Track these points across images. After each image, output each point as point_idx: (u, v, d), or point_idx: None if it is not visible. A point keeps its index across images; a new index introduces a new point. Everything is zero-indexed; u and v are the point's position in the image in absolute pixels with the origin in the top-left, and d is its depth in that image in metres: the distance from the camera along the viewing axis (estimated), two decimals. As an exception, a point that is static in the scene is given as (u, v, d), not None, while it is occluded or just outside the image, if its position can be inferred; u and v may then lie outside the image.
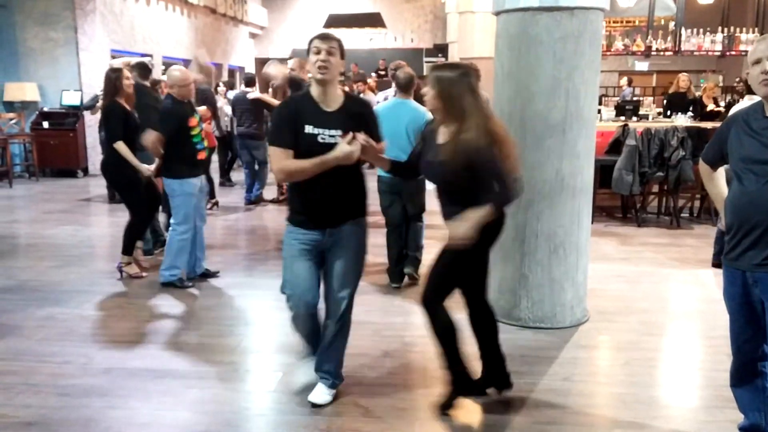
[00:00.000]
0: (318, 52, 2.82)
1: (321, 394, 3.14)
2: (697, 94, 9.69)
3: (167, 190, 4.90)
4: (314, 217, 2.96)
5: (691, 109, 8.95)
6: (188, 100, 4.89)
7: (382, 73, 16.28)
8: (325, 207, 2.94)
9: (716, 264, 5.47)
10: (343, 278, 3.02)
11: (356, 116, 2.93)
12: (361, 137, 2.79)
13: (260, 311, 4.58)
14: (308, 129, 2.85)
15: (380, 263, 5.14)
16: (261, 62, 19.96)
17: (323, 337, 3.12)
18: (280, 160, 2.85)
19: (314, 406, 3.10)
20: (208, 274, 5.19)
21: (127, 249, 5.18)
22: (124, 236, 5.18)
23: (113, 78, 5.15)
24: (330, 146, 2.82)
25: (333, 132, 2.84)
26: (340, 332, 3.09)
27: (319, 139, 2.84)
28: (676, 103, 9.18)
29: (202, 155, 4.94)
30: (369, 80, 13.97)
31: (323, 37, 2.87)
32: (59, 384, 3.38)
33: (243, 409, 3.19)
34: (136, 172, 5.05)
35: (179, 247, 4.89)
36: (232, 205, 8.45)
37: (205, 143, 5.06)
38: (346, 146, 2.77)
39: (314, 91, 2.92)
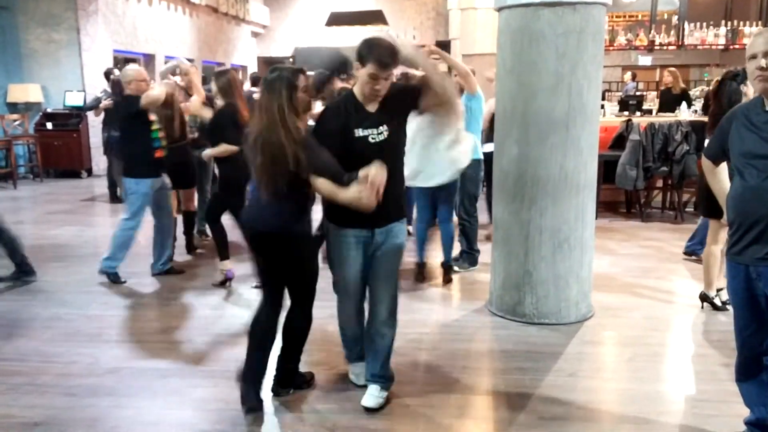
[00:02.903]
0: (376, 80, 2.80)
1: (373, 397, 3.11)
2: (703, 88, 9.73)
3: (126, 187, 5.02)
4: (364, 215, 2.87)
5: (684, 103, 8.96)
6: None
7: None
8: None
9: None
10: (392, 277, 3.07)
11: (395, 102, 2.93)
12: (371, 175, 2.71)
13: (265, 310, 4.58)
14: (358, 133, 2.88)
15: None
16: (263, 61, 19.97)
17: (374, 342, 3.12)
18: (322, 183, 2.80)
19: (368, 410, 3.06)
20: (171, 271, 5.32)
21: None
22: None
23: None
24: (376, 144, 2.88)
25: (381, 129, 2.90)
26: (394, 334, 3.14)
27: (370, 140, 2.89)
28: (665, 99, 9.21)
29: (159, 153, 4.99)
30: None
31: (382, 66, 2.78)
32: (65, 384, 3.39)
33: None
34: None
35: (124, 241, 5.05)
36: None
37: (163, 142, 5.08)
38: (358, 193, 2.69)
39: (361, 91, 2.91)
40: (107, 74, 8.80)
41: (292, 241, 2.92)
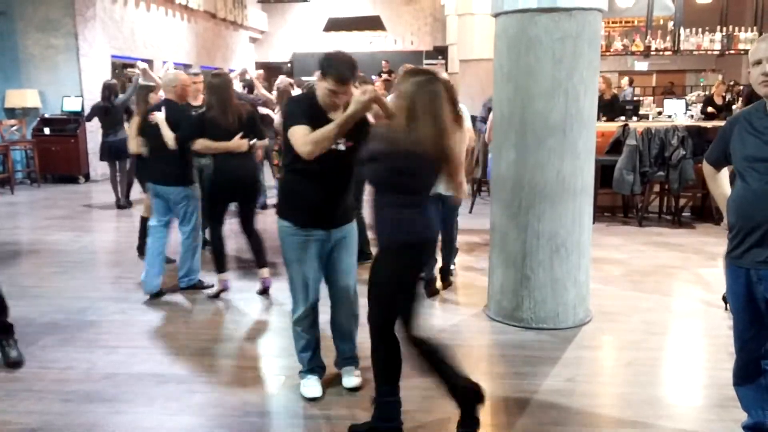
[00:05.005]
0: (335, 94, 2.92)
1: (354, 378, 3.38)
2: (699, 93, 9.83)
3: (183, 196, 4.82)
4: (320, 218, 3.09)
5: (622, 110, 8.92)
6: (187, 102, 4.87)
7: (385, 74, 16.24)
8: (329, 208, 3.08)
9: None
10: (351, 271, 3.25)
11: (359, 129, 2.97)
12: (370, 88, 2.95)
13: (262, 315, 4.58)
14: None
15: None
16: (261, 66, 20.01)
17: (340, 329, 3.34)
18: (303, 135, 2.87)
19: (350, 390, 3.32)
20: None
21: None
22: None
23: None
24: (338, 153, 2.96)
25: (339, 140, 2.95)
26: (356, 321, 3.34)
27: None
28: (599, 107, 9.06)
29: None
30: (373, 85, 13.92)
31: (341, 81, 2.89)
32: (63, 390, 3.38)
33: (246, 413, 3.18)
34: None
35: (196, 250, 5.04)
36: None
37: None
38: (360, 97, 2.82)
39: (322, 100, 2.99)
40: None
41: None
